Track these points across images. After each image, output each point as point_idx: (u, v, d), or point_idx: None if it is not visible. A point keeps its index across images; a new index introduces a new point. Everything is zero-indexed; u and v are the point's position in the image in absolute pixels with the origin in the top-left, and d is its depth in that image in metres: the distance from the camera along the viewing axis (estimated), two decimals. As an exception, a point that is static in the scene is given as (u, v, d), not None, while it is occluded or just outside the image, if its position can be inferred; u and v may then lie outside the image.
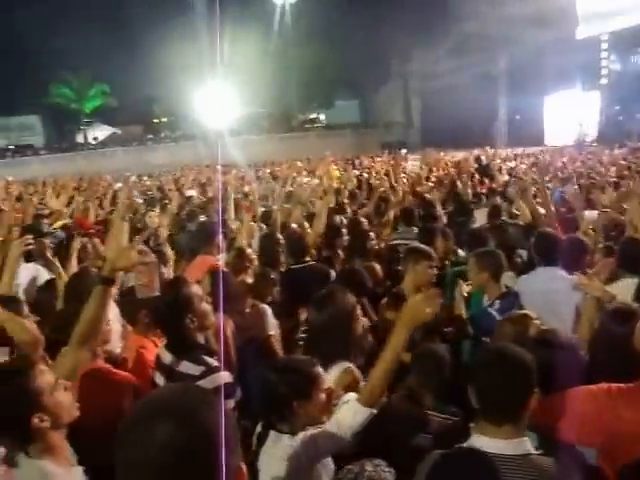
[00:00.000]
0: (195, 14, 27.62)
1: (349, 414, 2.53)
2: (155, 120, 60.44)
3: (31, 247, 4.30)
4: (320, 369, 2.69)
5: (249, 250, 5.00)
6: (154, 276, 4.23)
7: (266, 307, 4.56)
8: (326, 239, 6.18)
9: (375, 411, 2.54)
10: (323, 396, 2.62)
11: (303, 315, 4.30)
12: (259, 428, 2.69)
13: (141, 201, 11.58)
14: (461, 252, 6.02)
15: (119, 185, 15.13)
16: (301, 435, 2.51)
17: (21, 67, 48.48)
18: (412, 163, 18.97)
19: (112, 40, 47.97)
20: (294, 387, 2.56)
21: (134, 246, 3.58)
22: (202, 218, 7.92)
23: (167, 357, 2.84)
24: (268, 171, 21.53)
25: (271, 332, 4.44)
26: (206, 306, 2.93)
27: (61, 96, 55.30)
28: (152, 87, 50.84)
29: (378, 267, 5.22)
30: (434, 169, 15.55)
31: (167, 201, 10.98)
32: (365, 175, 14.46)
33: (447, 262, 5.64)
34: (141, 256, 3.97)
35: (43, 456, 2.19)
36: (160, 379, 2.89)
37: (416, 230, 6.48)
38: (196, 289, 2.96)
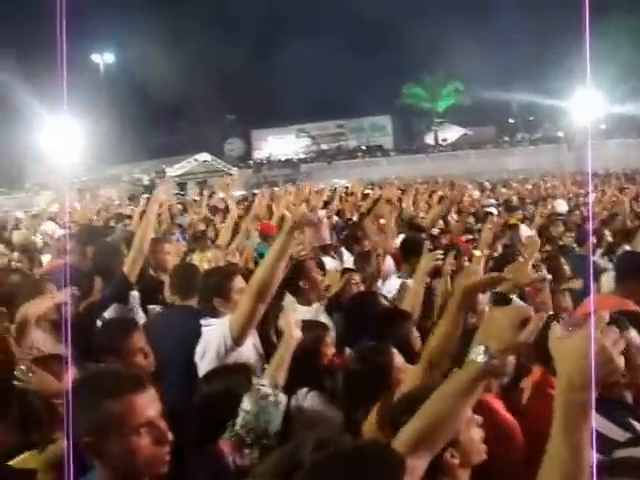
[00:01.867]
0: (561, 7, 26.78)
1: None
2: (510, 120, 60.43)
3: (438, 263, 4.44)
4: None
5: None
6: (548, 296, 4.12)
7: None
8: None
9: None
10: None
11: None
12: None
13: (495, 212, 11.56)
14: None
15: (477, 193, 15.38)
16: None
17: (377, 68, 53.04)
18: None
19: (467, 35, 49.49)
20: None
21: (529, 262, 3.49)
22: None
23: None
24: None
25: None
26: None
27: (413, 96, 58.87)
28: (509, 83, 50.94)
29: None
30: None
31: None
32: None
33: None
34: (536, 274, 3.86)
35: None
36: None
37: None
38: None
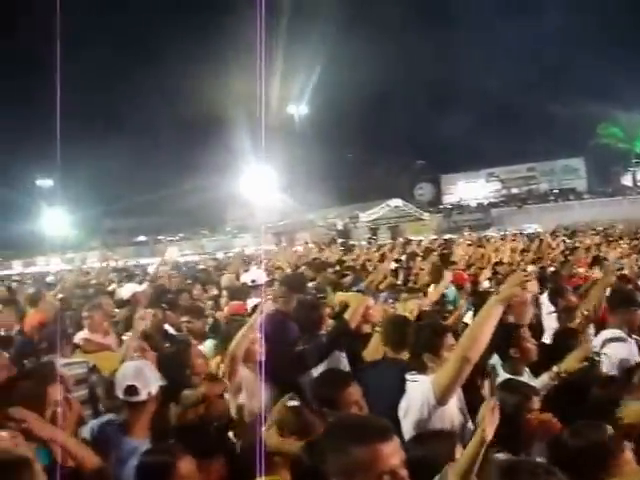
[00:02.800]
0: None
1: None
2: None
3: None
4: None
5: None
6: None
7: None
8: None
9: None
10: None
11: None
12: None
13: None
14: None
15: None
16: None
17: (568, 109, 50.91)
18: None
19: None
20: None
21: None
22: None
23: None
24: None
25: None
26: None
27: (609, 136, 55.71)
28: None
29: None
30: None
31: None
32: None
33: None
34: None
35: None
36: None
37: None
38: None
